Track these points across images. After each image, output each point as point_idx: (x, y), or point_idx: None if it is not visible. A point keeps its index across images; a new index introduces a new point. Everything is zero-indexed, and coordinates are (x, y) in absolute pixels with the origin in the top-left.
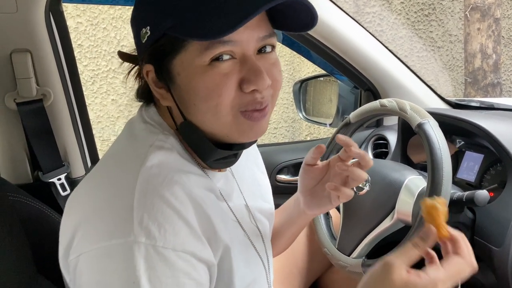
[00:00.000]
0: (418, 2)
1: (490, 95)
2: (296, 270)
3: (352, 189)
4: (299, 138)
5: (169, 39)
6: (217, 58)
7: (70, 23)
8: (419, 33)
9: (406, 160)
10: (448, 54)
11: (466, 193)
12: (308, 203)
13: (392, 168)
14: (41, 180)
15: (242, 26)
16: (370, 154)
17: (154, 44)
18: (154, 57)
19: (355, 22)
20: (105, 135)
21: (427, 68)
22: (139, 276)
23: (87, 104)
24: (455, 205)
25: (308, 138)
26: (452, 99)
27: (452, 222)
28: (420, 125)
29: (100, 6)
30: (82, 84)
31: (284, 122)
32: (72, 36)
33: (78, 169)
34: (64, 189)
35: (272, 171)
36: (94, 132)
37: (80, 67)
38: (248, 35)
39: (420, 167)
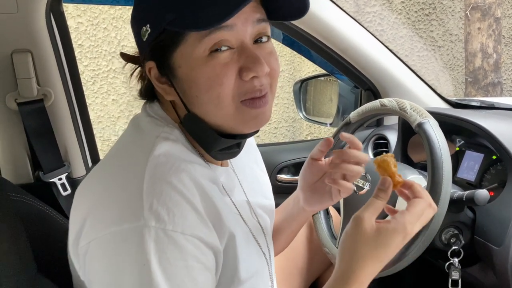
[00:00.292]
0: (419, 2)
1: (490, 94)
2: (296, 270)
3: (353, 190)
4: (300, 137)
5: (169, 34)
6: (216, 49)
7: (70, 23)
8: (420, 33)
9: (406, 159)
10: (449, 54)
11: (466, 192)
12: (308, 200)
13: None
14: (42, 180)
15: (239, 11)
16: (370, 154)
17: (154, 41)
18: (155, 53)
19: (355, 22)
20: (106, 135)
21: (428, 68)
22: (149, 258)
23: (87, 104)
24: (455, 204)
25: (309, 138)
26: (453, 98)
27: (452, 222)
28: (420, 125)
29: (101, 6)
30: (82, 84)
31: (284, 122)
32: (72, 36)
33: (78, 169)
34: (64, 189)
35: (273, 171)
36: (94, 132)
37: (80, 67)
38: (244, 20)
39: (420, 167)
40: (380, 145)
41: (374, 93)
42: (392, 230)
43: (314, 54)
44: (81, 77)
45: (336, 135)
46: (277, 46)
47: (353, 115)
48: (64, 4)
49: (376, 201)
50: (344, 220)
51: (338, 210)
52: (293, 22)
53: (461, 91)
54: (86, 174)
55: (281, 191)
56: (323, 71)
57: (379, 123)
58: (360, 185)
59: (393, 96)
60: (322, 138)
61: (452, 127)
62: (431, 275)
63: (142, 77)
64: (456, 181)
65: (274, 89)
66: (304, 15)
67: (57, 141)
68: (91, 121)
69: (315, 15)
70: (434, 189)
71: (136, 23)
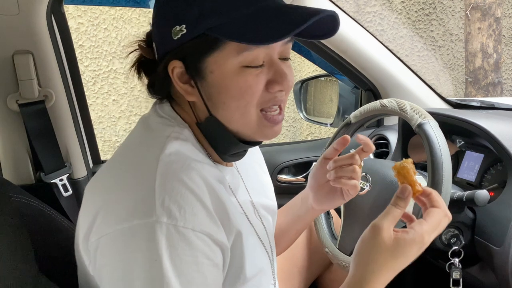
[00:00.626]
0: (419, 2)
1: (491, 94)
2: (296, 269)
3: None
4: (300, 137)
5: (207, 38)
6: (248, 66)
7: (71, 23)
8: (420, 33)
9: None
10: (449, 54)
11: (467, 192)
12: (319, 199)
13: None
14: (43, 180)
15: (299, 30)
16: (370, 154)
17: (188, 42)
18: (185, 54)
19: (355, 22)
20: (106, 136)
21: (428, 68)
22: (161, 254)
23: (88, 104)
24: (455, 204)
25: (309, 138)
26: (453, 98)
27: (452, 222)
28: (420, 125)
29: (101, 7)
30: (83, 84)
31: (285, 122)
32: (73, 36)
33: (79, 170)
34: (66, 190)
35: (273, 171)
36: (95, 132)
37: (81, 68)
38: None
39: (421, 167)
40: (381, 146)
41: (374, 94)
42: (410, 241)
43: (314, 54)
44: (82, 77)
45: (336, 136)
46: None
47: (353, 115)
48: (64, 5)
49: (395, 210)
50: (345, 221)
51: (338, 210)
52: None
53: (461, 91)
54: (87, 174)
55: (282, 192)
56: (323, 72)
57: (379, 123)
58: (361, 185)
59: (393, 97)
60: (322, 138)
61: (452, 128)
62: (432, 275)
63: (154, 74)
64: (456, 182)
65: (286, 100)
66: (329, 37)
67: (58, 142)
68: (92, 121)
69: None
70: (434, 189)
71: (166, 21)
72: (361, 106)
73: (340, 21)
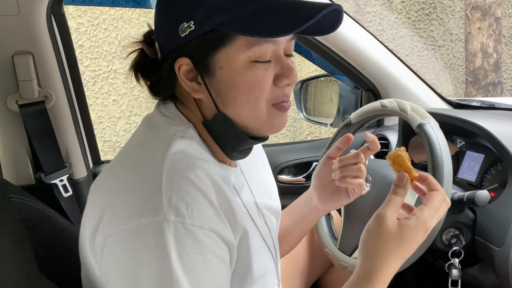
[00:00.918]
0: (419, 1)
1: (491, 94)
2: (297, 270)
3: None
4: (300, 137)
5: (216, 34)
6: (256, 61)
7: (71, 23)
8: (420, 32)
9: None
10: (449, 53)
11: (467, 193)
12: (324, 199)
13: None
14: (43, 181)
15: (312, 22)
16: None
17: (196, 38)
18: (193, 51)
19: (355, 22)
20: (106, 136)
21: (428, 67)
22: (169, 252)
23: (88, 104)
24: (456, 205)
25: (309, 138)
26: (453, 98)
27: (453, 222)
28: (420, 126)
29: (101, 7)
30: (83, 84)
31: None
32: (73, 36)
33: (80, 170)
34: (66, 191)
35: (273, 171)
36: (95, 132)
37: (81, 68)
38: (284, 36)
39: (421, 167)
40: (381, 146)
41: (375, 94)
42: (413, 227)
43: (314, 54)
44: (82, 77)
45: (336, 136)
46: None
47: (353, 115)
48: (64, 5)
49: (396, 198)
50: (345, 221)
51: (338, 210)
52: None
53: (462, 90)
54: (88, 175)
55: (282, 192)
56: (323, 72)
57: (379, 123)
58: None
59: (394, 97)
60: (323, 138)
61: (452, 128)
62: (432, 275)
63: (157, 73)
64: (457, 182)
65: (290, 95)
66: (332, 32)
67: (58, 142)
68: (92, 121)
69: None
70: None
71: (173, 18)
72: (361, 106)
73: (343, 15)
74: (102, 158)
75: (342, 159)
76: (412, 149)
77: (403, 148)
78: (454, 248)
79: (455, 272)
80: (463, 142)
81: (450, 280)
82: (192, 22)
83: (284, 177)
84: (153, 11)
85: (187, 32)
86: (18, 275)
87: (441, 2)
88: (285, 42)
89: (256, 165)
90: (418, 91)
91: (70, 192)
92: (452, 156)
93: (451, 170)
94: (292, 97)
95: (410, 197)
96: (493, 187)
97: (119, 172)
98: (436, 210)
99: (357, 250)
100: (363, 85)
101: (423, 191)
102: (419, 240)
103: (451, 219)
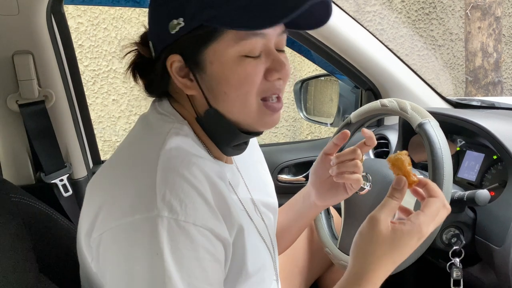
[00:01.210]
0: (419, 1)
1: (491, 93)
2: (297, 269)
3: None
4: (300, 137)
5: (205, 29)
6: (246, 55)
7: (70, 23)
8: (420, 32)
9: None
10: (449, 53)
11: (467, 192)
12: (322, 195)
13: None
14: (43, 181)
15: (300, 13)
16: (371, 154)
17: (186, 35)
18: (184, 47)
19: (355, 22)
20: (106, 135)
21: (428, 67)
22: (162, 248)
23: (88, 104)
24: (456, 204)
25: (309, 138)
26: (453, 98)
27: (453, 222)
28: (421, 125)
29: (101, 6)
30: (83, 84)
31: (285, 122)
32: (72, 36)
33: (80, 170)
34: (66, 190)
35: (273, 171)
36: (95, 132)
37: (81, 68)
38: (273, 30)
39: (421, 167)
40: (381, 145)
41: (375, 93)
42: (407, 232)
43: (314, 54)
44: (82, 77)
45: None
46: None
47: (353, 115)
48: (64, 5)
49: (392, 201)
50: (345, 220)
51: (338, 210)
52: None
53: (462, 90)
54: (88, 175)
55: (282, 192)
56: (323, 71)
57: (379, 123)
58: (361, 185)
59: (394, 96)
60: (323, 138)
61: (452, 127)
62: (432, 275)
63: (152, 72)
64: (457, 181)
65: (284, 90)
66: (322, 25)
67: (58, 142)
68: (92, 121)
69: None
70: None
71: (163, 16)
72: (361, 105)
73: (332, 7)
74: (102, 158)
75: (339, 155)
76: (412, 149)
77: (405, 152)
78: (454, 247)
79: (457, 272)
80: (463, 142)
81: (452, 280)
82: (182, 19)
83: (284, 177)
84: None
85: (177, 29)
86: (18, 274)
87: (441, 2)
88: (276, 36)
89: (255, 164)
90: (418, 91)
91: (70, 192)
92: (452, 156)
93: (451, 169)
94: (292, 97)
95: (410, 199)
96: (493, 186)
97: (115, 170)
98: (433, 216)
99: None
100: (363, 85)
101: (422, 196)
102: (413, 246)
103: (451, 218)
